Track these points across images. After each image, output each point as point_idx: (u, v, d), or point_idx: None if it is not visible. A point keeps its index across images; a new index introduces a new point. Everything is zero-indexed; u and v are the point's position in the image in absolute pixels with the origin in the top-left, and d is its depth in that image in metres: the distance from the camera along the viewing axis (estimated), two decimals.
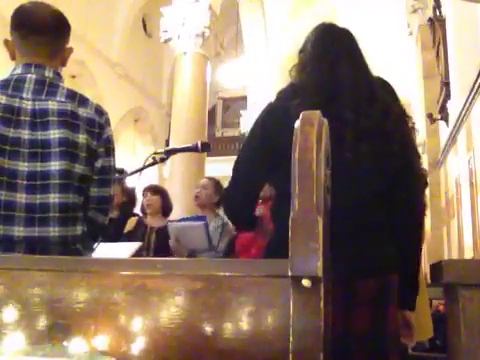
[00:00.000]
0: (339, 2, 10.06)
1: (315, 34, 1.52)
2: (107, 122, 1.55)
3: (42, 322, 0.86)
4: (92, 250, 1.60)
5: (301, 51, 1.52)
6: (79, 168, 1.45)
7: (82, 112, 1.48)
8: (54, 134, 1.42)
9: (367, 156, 1.31)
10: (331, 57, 1.43)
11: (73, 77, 9.48)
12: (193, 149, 2.28)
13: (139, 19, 11.82)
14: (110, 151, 1.55)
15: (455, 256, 5.95)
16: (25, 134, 1.42)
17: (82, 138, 1.46)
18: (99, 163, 1.51)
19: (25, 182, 1.39)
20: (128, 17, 11.06)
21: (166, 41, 7.27)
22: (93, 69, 10.08)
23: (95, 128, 1.50)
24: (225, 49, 8.23)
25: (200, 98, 6.91)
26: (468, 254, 5.11)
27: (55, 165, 1.41)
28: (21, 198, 1.39)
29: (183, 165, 6.41)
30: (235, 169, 1.46)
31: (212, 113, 14.02)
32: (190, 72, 6.94)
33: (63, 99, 1.47)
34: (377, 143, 1.33)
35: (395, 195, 1.36)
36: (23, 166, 1.40)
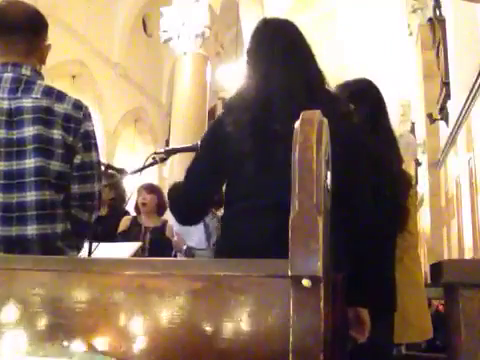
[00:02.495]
0: (339, 2, 10.06)
1: (254, 34, 1.49)
2: (86, 117, 1.52)
3: (42, 322, 0.86)
4: (78, 249, 1.57)
5: (247, 51, 1.50)
6: (55, 165, 1.43)
7: (58, 107, 1.46)
8: (29, 131, 1.41)
9: None
10: (265, 64, 1.40)
11: (73, 77, 9.45)
12: (193, 149, 2.27)
13: (139, 19, 11.80)
14: (90, 146, 1.52)
15: (455, 256, 5.95)
16: (1, 133, 1.41)
17: (57, 134, 1.44)
18: (78, 159, 1.48)
19: (2, 182, 1.39)
20: (128, 17, 11.05)
21: (166, 41, 7.27)
22: (93, 69, 10.06)
23: (71, 123, 1.47)
24: (225, 49, 8.23)
25: (200, 98, 6.91)
26: (468, 254, 5.11)
27: (30, 163, 1.40)
28: None
29: (183, 165, 6.40)
30: (186, 181, 1.48)
31: (212, 113, 14.00)
32: (190, 72, 6.94)
33: (39, 96, 1.45)
34: None
35: (344, 196, 1.33)
36: (0, 165, 1.39)
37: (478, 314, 1.19)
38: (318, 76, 1.44)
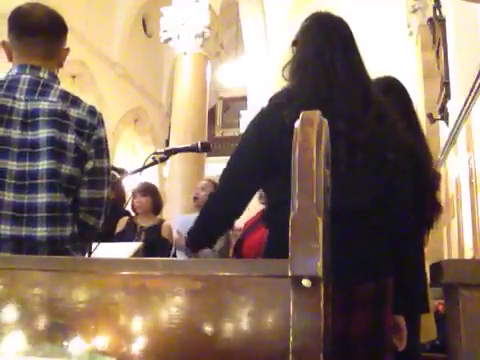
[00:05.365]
0: (339, 2, 10.05)
1: (310, 27, 1.45)
2: (100, 123, 1.53)
3: (42, 322, 0.86)
4: (84, 251, 1.58)
5: (294, 43, 1.46)
6: (66, 169, 1.44)
7: (73, 113, 1.47)
8: (43, 133, 1.42)
9: (361, 167, 1.28)
10: (325, 59, 1.37)
11: (73, 77, 9.46)
12: (193, 149, 2.28)
13: (139, 19, 11.80)
14: (102, 152, 1.52)
15: (455, 256, 5.94)
16: (15, 133, 1.42)
17: (70, 138, 1.45)
18: (90, 164, 1.48)
19: (14, 181, 1.39)
20: (128, 17, 11.05)
21: (166, 41, 7.27)
22: (93, 69, 10.06)
23: (85, 129, 1.48)
24: (225, 49, 8.23)
25: (200, 98, 6.91)
26: (468, 254, 5.10)
27: (43, 165, 1.41)
28: (9, 197, 1.38)
29: (183, 165, 6.41)
30: (225, 178, 1.40)
31: (212, 113, 14.01)
32: (190, 72, 6.94)
33: (55, 99, 1.46)
34: (371, 152, 1.30)
35: (390, 200, 1.33)
36: (12, 165, 1.40)
37: (478, 314, 1.19)
38: (369, 80, 1.43)
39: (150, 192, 3.76)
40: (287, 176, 1.31)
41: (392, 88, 1.91)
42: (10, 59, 1.55)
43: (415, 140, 1.75)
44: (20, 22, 1.52)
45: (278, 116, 1.29)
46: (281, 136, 1.27)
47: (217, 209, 1.44)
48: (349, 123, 1.28)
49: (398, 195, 1.35)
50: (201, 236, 1.51)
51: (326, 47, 1.39)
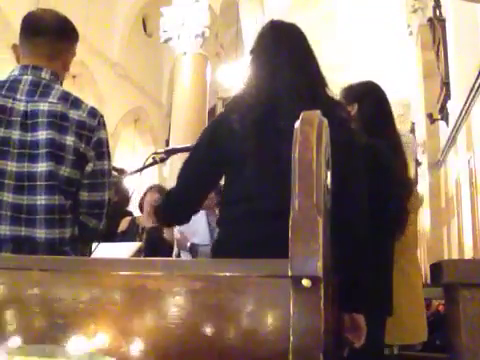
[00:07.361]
0: (339, 2, 10.06)
1: (262, 36, 1.50)
2: (101, 125, 1.51)
3: (42, 322, 0.86)
4: (83, 253, 1.58)
5: (251, 51, 1.51)
6: (65, 171, 1.43)
7: (73, 114, 1.46)
8: (42, 135, 1.41)
9: None
10: (272, 65, 1.42)
11: (73, 77, 9.45)
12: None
13: (139, 19, 11.79)
14: (103, 154, 1.51)
15: (455, 256, 5.95)
16: (15, 134, 1.41)
17: (70, 140, 1.44)
18: (90, 167, 1.47)
19: (13, 182, 1.39)
20: (128, 17, 11.04)
21: (166, 41, 7.27)
22: (93, 69, 10.05)
23: (85, 131, 1.47)
24: (225, 49, 8.23)
25: (200, 98, 6.92)
26: (468, 254, 5.11)
27: (42, 167, 1.40)
28: (8, 197, 1.38)
29: None
30: (179, 178, 1.48)
31: (212, 113, 13.99)
32: (190, 72, 6.95)
33: (55, 100, 1.46)
34: None
35: (339, 201, 1.33)
36: (12, 166, 1.39)
37: (478, 314, 1.19)
38: (321, 80, 1.46)
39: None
40: (228, 181, 1.39)
41: (368, 92, 1.91)
42: (19, 61, 1.56)
43: (387, 144, 1.75)
44: (29, 24, 1.54)
45: (228, 123, 1.37)
46: (229, 143, 1.37)
47: (174, 204, 1.51)
48: (291, 124, 1.29)
49: (348, 193, 1.32)
50: (166, 215, 1.58)
51: (273, 55, 1.43)
